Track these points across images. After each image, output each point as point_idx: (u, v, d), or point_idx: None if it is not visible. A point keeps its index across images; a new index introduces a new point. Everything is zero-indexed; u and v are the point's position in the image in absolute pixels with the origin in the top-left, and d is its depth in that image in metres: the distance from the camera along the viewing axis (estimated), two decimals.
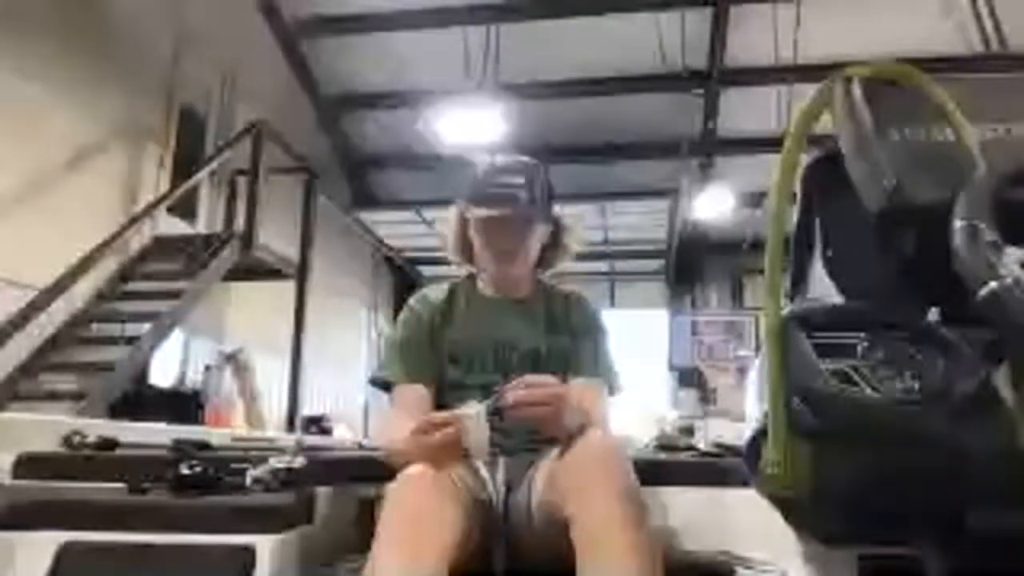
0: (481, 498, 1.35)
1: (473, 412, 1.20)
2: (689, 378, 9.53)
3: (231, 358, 6.57)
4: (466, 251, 1.61)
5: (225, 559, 1.30)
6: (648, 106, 8.06)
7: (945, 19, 6.51)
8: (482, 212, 1.49)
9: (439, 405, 1.48)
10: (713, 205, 8.16)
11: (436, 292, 1.63)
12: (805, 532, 1.05)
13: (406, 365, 1.53)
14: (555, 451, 1.27)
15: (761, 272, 0.89)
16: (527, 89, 7.81)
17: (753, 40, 7.01)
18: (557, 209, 1.62)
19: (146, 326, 4.75)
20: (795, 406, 0.83)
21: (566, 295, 1.64)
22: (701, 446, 2.05)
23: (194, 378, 6.25)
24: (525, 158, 1.59)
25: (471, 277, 1.66)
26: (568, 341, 1.55)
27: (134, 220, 5.11)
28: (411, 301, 1.63)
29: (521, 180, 1.50)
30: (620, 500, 1.12)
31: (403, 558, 1.09)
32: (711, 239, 9.79)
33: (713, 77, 7.64)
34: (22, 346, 4.36)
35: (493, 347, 1.51)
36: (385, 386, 1.55)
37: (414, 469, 1.21)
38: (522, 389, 1.20)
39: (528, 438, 1.44)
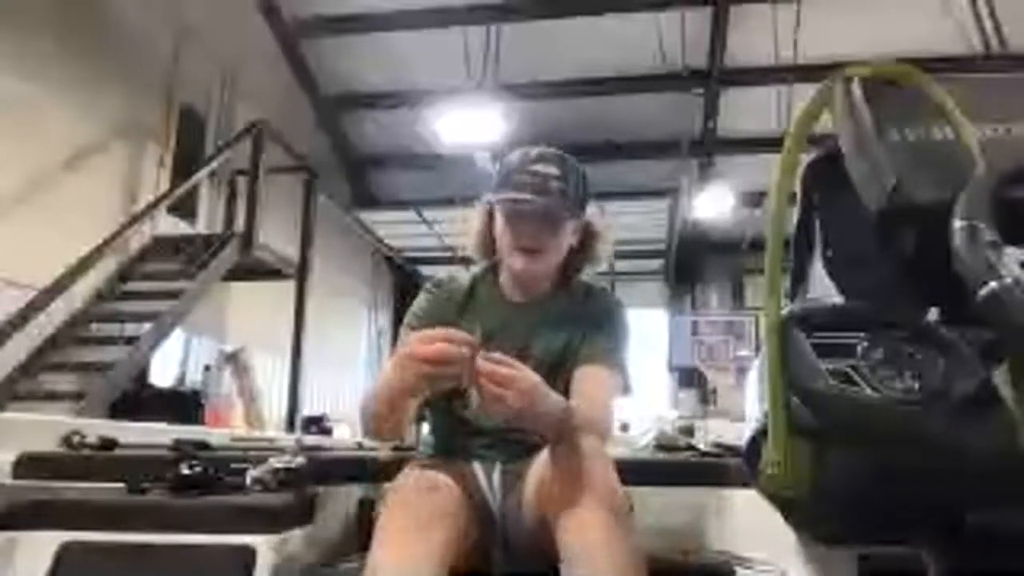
0: (478, 500, 1.35)
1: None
2: (689, 378, 9.54)
3: (231, 358, 6.57)
4: (489, 248, 1.52)
5: (225, 559, 1.30)
6: (648, 106, 8.06)
7: (945, 19, 6.51)
8: (511, 196, 1.39)
9: (447, 412, 1.43)
10: (713, 205, 8.17)
11: (456, 283, 1.54)
12: (805, 532, 1.05)
13: (419, 320, 1.45)
14: (544, 455, 1.25)
15: (761, 272, 0.89)
16: (527, 89, 7.81)
17: (753, 40, 7.01)
18: (590, 211, 1.51)
19: (146, 326, 4.75)
20: (795, 406, 0.83)
21: (588, 290, 1.55)
22: (701, 446, 2.05)
23: (194, 378, 6.25)
24: (560, 153, 1.47)
25: (493, 270, 1.56)
26: (578, 335, 1.46)
27: (134, 220, 5.10)
28: (430, 286, 1.55)
29: (556, 171, 1.40)
30: (603, 515, 1.11)
31: (401, 558, 1.09)
32: (711, 239, 9.79)
33: (713, 77, 7.64)
34: (21, 346, 4.36)
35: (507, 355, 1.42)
36: None
37: (411, 473, 1.21)
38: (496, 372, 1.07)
39: (521, 441, 1.42)
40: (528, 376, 1.11)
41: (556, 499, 1.15)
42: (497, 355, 1.10)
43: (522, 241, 1.42)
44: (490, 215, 1.50)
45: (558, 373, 1.41)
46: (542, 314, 1.49)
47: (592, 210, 1.52)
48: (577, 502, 1.12)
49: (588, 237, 1.53)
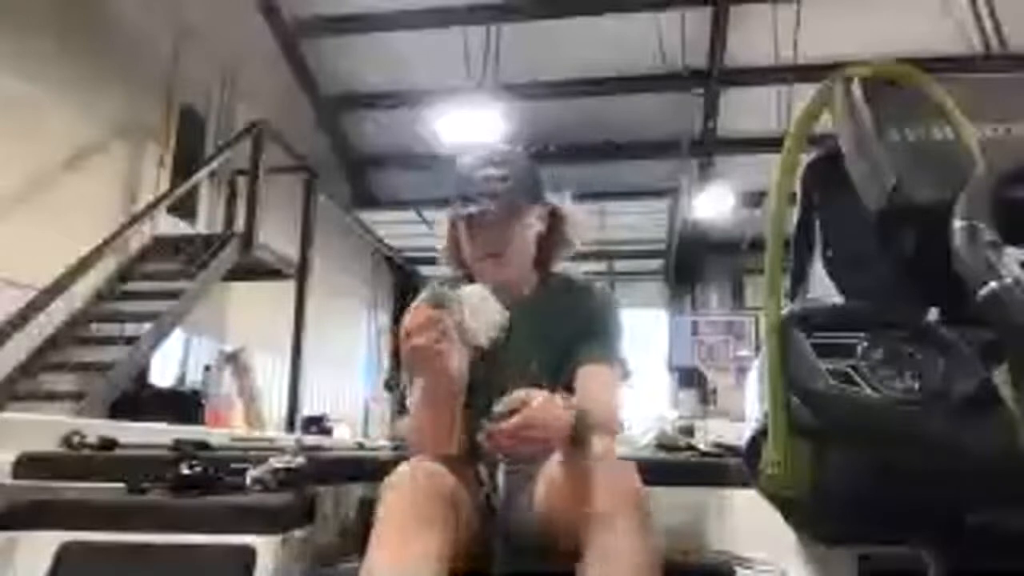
0: (480, 499, 1.35)
1: (474, 294, 1.17)
2: (689, 378, 9.55)
3: (231, 358, 6.57)
4: (460, 259, 1.52)
5: (225, 559, 1.29)
6: (648, 106, 8.06)
7: (945, 19, 6.51)
8: (462, 210, 1.38)
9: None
10: (713, 205, 8.17)
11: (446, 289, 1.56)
12: (805, 532, 1.05)
13: None
14: (558, 456, 1.25)
15: (761, 272, 0.89)
16: (527, 89, 7.81)
17: (753, 40, 7.02)
18: (555, 199, 1.50)
19: (146, 326, 4.75)
20: (795, 406, 0.83)
21: (572, 285, 1.54)
22: (701, 446, 2.05)
23: (194, 378, 6.25)
24: (505, 147, 1.47)
25: (471, 280, 1.56)
26: (575, 333, 1.45)
27: (134, 220, 5.11)
28: (422, 295, 1.56)
29: (500, 172, 1.38)
30: (626, 516, 1.11)
31: (399, 558, 1.08)
32: (711, 239, 9.79)
33: (713, 77, 7.64)
34: (22, 346, 4.36)
35: (498, 357, 1.40)
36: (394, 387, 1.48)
37: (410, 470, 1.21)
38: (508, 428, 1.10)
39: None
40: (534, 410, 1.11)
41: (577, 500, 1.15)
42: (495, 417, 1.12)
43: (485, 248, 1.42)
44: (455, 225, 1.50)
45: (559, 373, 1.41)
46: (533, 317, 1.47)
47: (557, 196, 1.51)
48: (600, 503, 1.12)
49: (555, 221, 1.51)
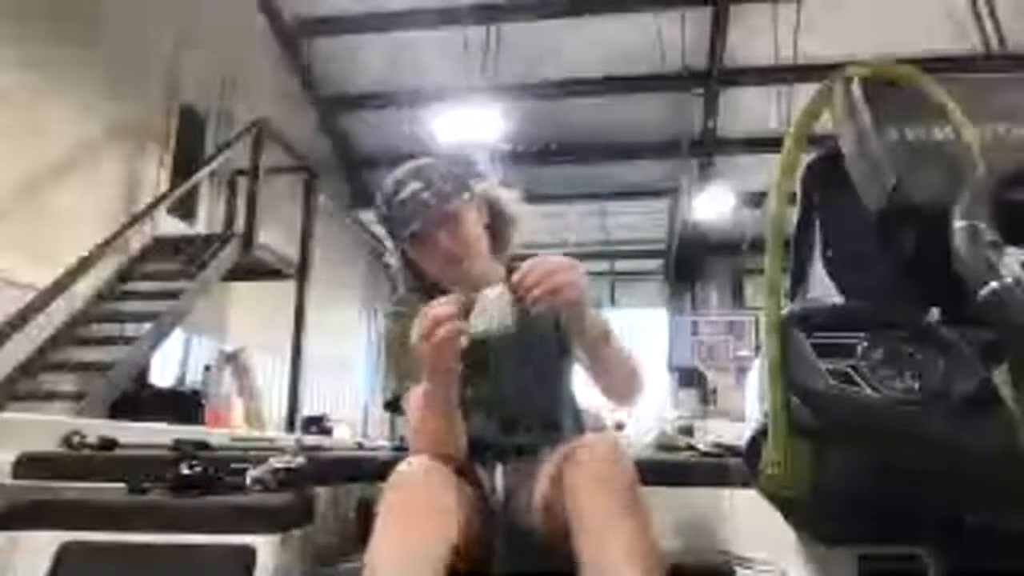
0: (480, 498, 1.35)
1: (494, 294, 1.18)
2: (689, 378, 9.54)
3: (231, 358, 6.57)
4: (423, 279, 1.52)
5: (225, 559, 1.29)
6: (648, 106, 8.06)
7: (945, 19, 6.52)
8: (405, 232, 1.41)
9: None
10: (713, 205, 8.18)
11: (415, 302, 1.48)
12: (805, 532, 1.05)
13: (413, 371, 1.40)
14: (560, 451, 1.26)
15: (761, 272, 0.89)
16: (527, 89, 7.82)
17: (753, 40, 7.02)
18: (482, 185, 1.50)
19: (146, 326, 4.75)
20: (795, 406, 0.83)
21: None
22: (701, 446, 2.05)
23: (194, 378, 6.25)
24: (413, 163, 1.46)
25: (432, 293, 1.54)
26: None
27: (134, 220, 5.11)
28: (393, 311, 1.55)
29: (421, 183, 1.40)
30: (622, 512, 1.11)
31: (401, 551, 1.09)
32: (711, 239, 9.80)
33: (713, 77, 7.65)
34: (21, 346, 4.36)
35: (475, 351, 1.36)
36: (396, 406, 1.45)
37: (410, 469, 1.21)
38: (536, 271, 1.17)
39: (532, 438, 1.43)
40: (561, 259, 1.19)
41: (574, 500, 1.15)
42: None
43: (444, 256, 1.41)
44: (404, 252, 1.50)
45: (559, 350, 1.45)
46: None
47: (482, 183, 1.52)
48: (598, 504, 1.12)
49: (491, 206, 1.51)
